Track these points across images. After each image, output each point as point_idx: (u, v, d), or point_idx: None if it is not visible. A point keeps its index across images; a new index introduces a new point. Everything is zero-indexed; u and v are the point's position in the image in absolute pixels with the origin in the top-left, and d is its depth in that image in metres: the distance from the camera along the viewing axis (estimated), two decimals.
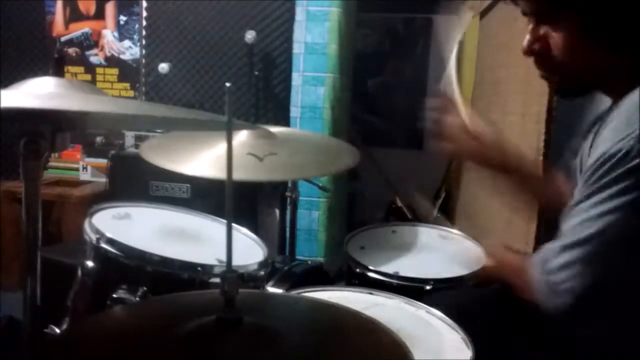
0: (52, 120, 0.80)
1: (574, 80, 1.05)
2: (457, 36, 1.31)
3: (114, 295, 1.27)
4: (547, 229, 1.78)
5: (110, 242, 1.30)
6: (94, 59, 3.42)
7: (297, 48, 3.04)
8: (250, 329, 0.71)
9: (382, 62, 4.54)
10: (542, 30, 1.02)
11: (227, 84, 0.74)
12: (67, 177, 3.28)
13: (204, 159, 1.27)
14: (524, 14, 1.06)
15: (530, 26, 1.04)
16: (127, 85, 3.38)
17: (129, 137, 2.89)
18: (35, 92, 0.78)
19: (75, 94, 0.81)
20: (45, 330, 1.28)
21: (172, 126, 1.19)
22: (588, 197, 0.95)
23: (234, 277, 0.71)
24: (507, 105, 2.48)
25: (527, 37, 1.04)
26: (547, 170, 1.73)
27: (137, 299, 1.26)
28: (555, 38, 1.00)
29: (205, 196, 2.39)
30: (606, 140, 0.95)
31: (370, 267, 1.48)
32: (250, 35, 2.97)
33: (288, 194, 2.07)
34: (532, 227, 1.81)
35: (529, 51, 1.04)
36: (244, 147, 1.28)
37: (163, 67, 3.12)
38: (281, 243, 2.26)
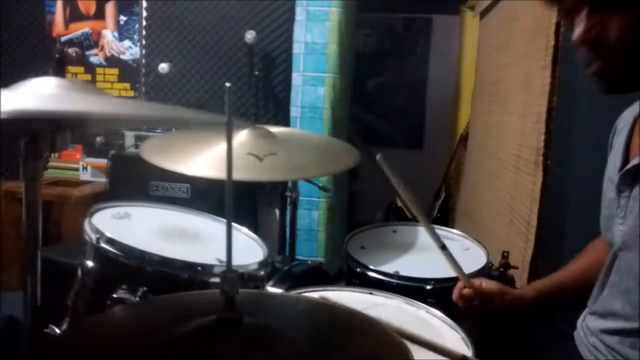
0: (51, 120, 0.80)
1: (632, 71, 0.94)
2: (392, 178, 1.23)
3: (114, 295, 1.27)
4: (547, 229, 1.78)
5: (110, 242, 1.30)
6: (94, 59, 3.42)
7: (297, 48, 3.05)
8: (250, 329, 0.71)
9: (382, 62, 4.54)
10: (596, 18, 0.93)
11: (227, 84, 0.73)
12: (67, 177, 3.29)
13: (204, 159, 1.26)
14: (566, 8, 0.98)
15: (581, 16, 0.94)
16: (127, 85, 3.38)
17: (129, 137, 2.89)
18: (36, 93, 0.78)
19: (75, 95, 0.81)
20: (45, 330, 1.28)
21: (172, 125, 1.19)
22: None
23: (234, 277, 0.71)
24: (507, 105, 2.48)
25: (578, 28, 0.94)
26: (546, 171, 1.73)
27: (137, 299, 1.26)
28: (613, 24, 0.91)
29: (205, 196, 2.40)
30: None
31: (371, 267, 1.48)
32: (250, 35, 2.97)
33: (288, 194, 2.08)
34: (532, 227, 1.81)
35: (582, 42, 0.94)
36: (244, 147, 1.28)
37: (163, 67, 3.12)
38: (281, 243, 2.26)
